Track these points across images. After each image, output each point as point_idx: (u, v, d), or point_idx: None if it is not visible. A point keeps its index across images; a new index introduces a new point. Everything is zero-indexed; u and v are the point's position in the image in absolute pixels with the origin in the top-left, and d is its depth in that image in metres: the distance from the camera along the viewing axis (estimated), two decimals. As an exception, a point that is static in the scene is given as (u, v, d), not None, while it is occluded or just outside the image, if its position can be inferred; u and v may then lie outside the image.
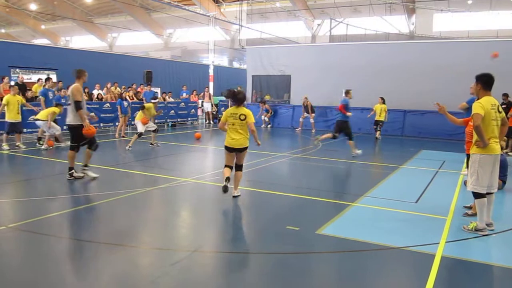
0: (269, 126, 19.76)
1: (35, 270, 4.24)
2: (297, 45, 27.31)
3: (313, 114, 18.34)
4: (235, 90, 7.31)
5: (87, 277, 4.17)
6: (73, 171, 8.04)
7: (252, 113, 7.12)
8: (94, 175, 8.17)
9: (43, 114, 12.04)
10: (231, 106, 7.17)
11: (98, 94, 17.36)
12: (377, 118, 16.06)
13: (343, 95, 12.00)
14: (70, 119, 7.88)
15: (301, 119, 18.57)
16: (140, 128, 12.26)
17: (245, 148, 7.02)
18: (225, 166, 7.07)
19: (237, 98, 7.03)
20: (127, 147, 11.95)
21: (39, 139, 12.38)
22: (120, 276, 4.18)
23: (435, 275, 4.20)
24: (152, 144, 12.65)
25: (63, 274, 4.29)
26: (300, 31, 41.04)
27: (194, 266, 4.46)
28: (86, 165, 8.20)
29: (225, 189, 6.72)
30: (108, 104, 16.52)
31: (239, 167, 7.11)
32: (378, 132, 16.17)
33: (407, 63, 17.48)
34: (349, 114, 11.63)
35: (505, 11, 33.47)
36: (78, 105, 7.70)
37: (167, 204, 7.02)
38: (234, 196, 6.97)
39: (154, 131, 12.75)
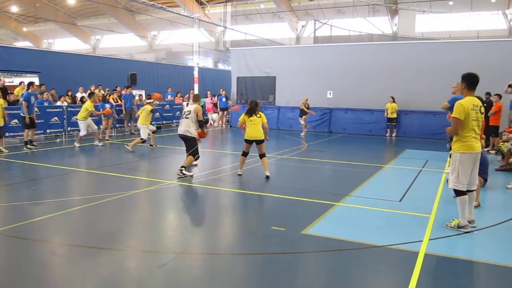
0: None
1: (19, 275, 4.19)
2: (282, 46, 27.41)
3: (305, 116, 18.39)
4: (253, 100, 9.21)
5: (73, 282, 4.14)
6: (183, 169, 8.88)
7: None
8: (189, 174, 8.89)
9: (84, 114, 12.74)
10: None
11: (81, 97, 17.18)
12: (389, 116, 17.04)
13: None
14: (189, 130, 8.98)
15: (303, 122, 18.01)
16: (144, 134, 12.36)
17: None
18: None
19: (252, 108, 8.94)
20: (127, 147, 12.11)
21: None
22: (106, 280, 4.16)
23: (419, 272, 4.27)
24: (152, 146, 12.79)
25: (48, 279, 4.26)
26: (285, 32, 41.19)
27: (180, 268, 4.46)
28: (184, 167, 8.93)
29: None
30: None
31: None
32: (394, 131, 17.30)
33: (390, 64, 17.67)
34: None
35: (486, 12, 34.09)
36: (201, 124, 9.15)
37: (153, 206, 7.00)
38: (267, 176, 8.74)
39: (153, 132, 13.04)
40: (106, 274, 4.27)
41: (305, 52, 20.85)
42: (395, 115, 17.14)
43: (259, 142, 8.84)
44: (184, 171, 8.81)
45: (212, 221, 6.28)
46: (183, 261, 4.62)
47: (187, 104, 21.43)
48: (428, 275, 4.31)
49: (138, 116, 12.93)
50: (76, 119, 13.44)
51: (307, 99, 17.46)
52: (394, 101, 17.03)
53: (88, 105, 12.77)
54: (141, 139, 12.26)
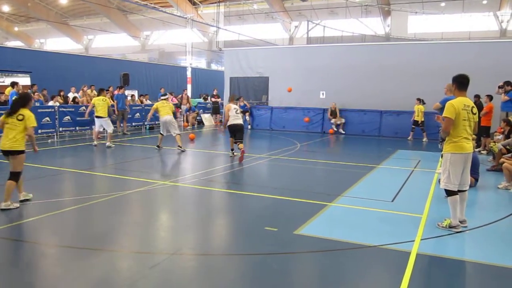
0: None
1: (10, 277, 4.16)
2: (275, 47, 27.43)
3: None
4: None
5: (64, 284, 4.11)
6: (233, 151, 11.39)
7: None
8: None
9: (103, 110, 12.67)
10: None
11: (74, 97, 17.09)
12: (415, 118, 16.09)
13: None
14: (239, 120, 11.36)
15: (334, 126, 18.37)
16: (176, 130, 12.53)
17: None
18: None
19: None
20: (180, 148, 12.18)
21: None
22: (97, 281, 4.13)
23: (411, 272, 4.29)
24: (180, 147, 12.23)
25: (39, 281, 4.22)
26: (278, 33, 41.28)
27: (173, 268, 4.45)
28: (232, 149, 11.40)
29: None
30: (84, 107, 16.24)
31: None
32: (424, 135, 16.06)
33: (383, 65, 17.73)
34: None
35: (477, 13, 34.37)
36: None
37: (145, 207, 6.97)
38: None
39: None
40: (97, 275, 4.25)
41: (298, 52, 20.87)
42: (421, 117, 15.88)
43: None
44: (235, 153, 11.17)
45: (205, 221, 6.26)
46: (175, 262, 4.61)
47: (180, 105, 21.60)
48: (420, 275, 4.33)
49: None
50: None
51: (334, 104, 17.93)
52: (420, 103, 15.89)
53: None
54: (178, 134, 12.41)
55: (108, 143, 12.86)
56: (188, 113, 21.03)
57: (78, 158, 11.59)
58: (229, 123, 11.27)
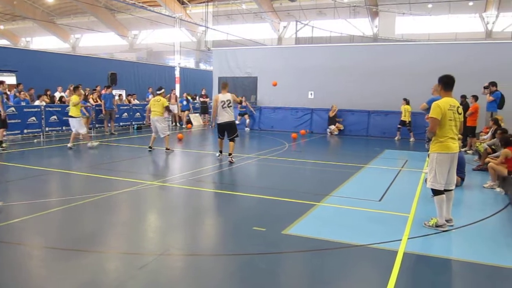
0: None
1: (-6, 278, 4.10)
2: (263, 47, 27.45)
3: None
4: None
5: (50, 285, 4.07)
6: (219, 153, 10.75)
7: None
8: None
9: (75, 110, 12.25)
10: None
11: (60, 97, 16.91)
12: (403, 118, 16.18)
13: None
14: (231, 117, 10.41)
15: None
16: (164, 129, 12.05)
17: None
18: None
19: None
20: (166, 150, 11.91)
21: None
22: (84, 282, 4.08)
23: (398, 271, 4.32)
24: (151, 148, 12.15)
25: (25, 283, 4.16)
26: (266, 33, 41.33)
27: (161, 269, 4.42)
28: (230, 154, 10.32)
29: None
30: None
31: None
32: (411, 135, 16.18)
33: (371, 65, 17.84)
34: None
35: (463, 15, 34.79)
36: (241, 101, 10.94)
37: (133, 207, 6.92)
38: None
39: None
40: (84, 277, 4.20)
41: (287, 52, 20.91)
42: (408, 118, 16.06)
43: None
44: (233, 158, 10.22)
45: (193, 222, 6.24)
46: (163, 263, 4.58)
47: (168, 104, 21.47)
48: (407, 274, 4.37)
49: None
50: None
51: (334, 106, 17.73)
52: (407, 103, 16.05)
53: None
54: (167, 134, 12.04)
55: (89, 144, 12.58)
56: (182, 112, 21.04)
57: (64, 158, 11.48)
58: (217, 120, 10.54)
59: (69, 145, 12.35)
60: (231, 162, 10.16)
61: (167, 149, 11.94)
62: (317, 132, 18.49)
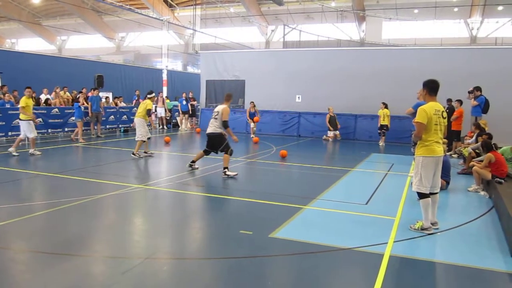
0: None
1: (-24, 283, 4.03)
2: (251, 50, 27.49)
3: None
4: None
5: (33, 289, 4.01)
6: (226, 170, 9.30)
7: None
8: (233, 173, 9.30)
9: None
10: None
11: (46, 99, 16.73)
12: (381, 122, 16.22)
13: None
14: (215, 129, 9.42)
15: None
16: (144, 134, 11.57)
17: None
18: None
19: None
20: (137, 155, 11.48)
21: None
22: (69, 287, 4.03)
23: (384, 273, 4.36)
24: (146, 153, 11.88)
25: (9, 287, 4.10)
26: (254, 36, 41.41)
27: (146, 273, 4.38)
28: (226, 167, 9.34)
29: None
30: (56, 109, 15.95)
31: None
32: (382, 138, 16.27)
33: (358, 69, 17.99)
34: None
35: (449, 21, 35.29)
36: (225, 124, 9.30)
37: (118, 211, 6.86)
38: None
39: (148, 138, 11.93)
40: (69, 281, 4.15)
41: (275, 56, 20.99)
42: (387, 122, 16.14)
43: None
44: (227, 172, 9.25)
45: (179, 225, 6.21)
46: (149, 267, 4.54)
47: (156, 107, 21.39)
48: (393, 277, 4.40)
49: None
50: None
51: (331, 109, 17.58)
52: (386, 107, 16.05)
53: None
54: (147, 138, 11.66)
55: (31, 150, 11.59)
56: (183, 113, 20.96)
57: (50, 161, 11.34)
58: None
59: (31, 150, 11.60)
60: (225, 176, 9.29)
61: (133, 153, 11.48)
62: (304, 136, 18.55)
